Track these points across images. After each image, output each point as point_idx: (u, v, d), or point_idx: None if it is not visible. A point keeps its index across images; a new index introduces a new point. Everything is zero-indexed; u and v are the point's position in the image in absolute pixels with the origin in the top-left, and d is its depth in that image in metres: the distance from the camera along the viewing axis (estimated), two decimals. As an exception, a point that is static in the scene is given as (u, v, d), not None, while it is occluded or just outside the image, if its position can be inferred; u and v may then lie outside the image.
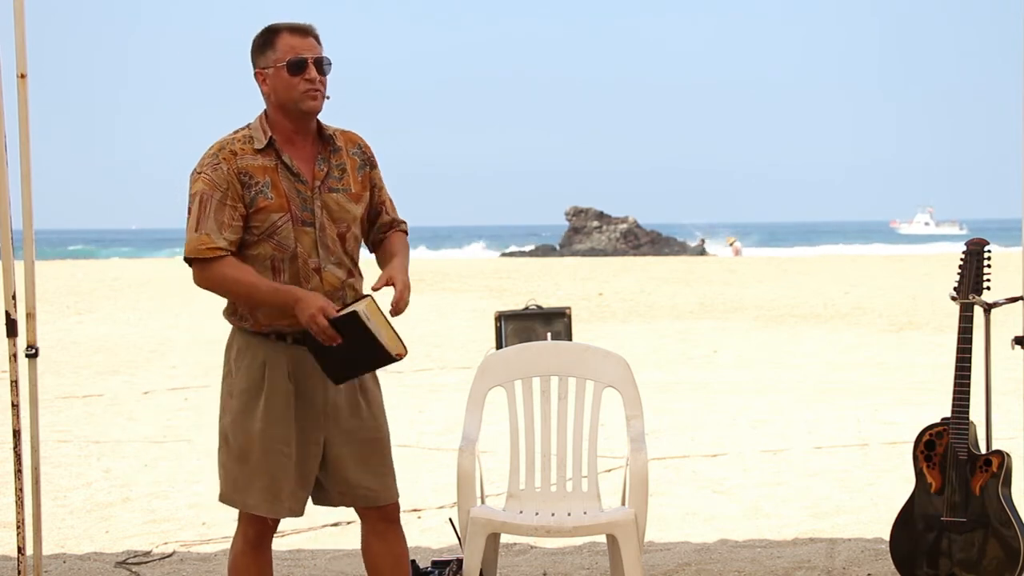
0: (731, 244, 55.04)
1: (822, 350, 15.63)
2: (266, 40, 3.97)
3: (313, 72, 3.93)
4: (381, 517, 4.16)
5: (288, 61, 3.91)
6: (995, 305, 5.19)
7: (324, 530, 6.72)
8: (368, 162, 4.11)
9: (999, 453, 5.02)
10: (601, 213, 57.05)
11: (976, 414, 5.10)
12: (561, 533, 4.82)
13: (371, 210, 4.15)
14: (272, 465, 3.98)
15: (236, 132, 3.99)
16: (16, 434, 4.82)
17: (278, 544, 6.40)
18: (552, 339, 10.85)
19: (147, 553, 6.19)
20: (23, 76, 4.82)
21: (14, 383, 4.83)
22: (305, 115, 3.97)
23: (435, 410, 10.56)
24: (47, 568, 5.71)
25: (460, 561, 5.05)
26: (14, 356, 4.85)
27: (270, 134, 3.95)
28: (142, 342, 17.04)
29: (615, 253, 51.87)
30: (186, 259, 3.97)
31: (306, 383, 4.00)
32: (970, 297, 5.08)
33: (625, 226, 56.06)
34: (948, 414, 5.06)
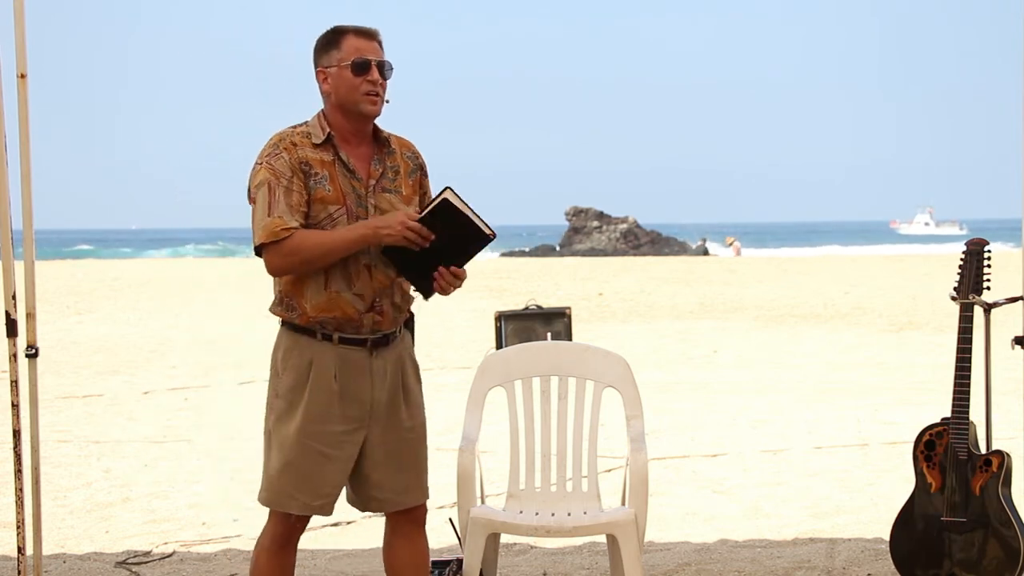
0: (731, 244, 55.04)
1: (822, 350, 15.63)
2: (331, 40, 4.02)
3: (376, 74, 3.99)
4: (408, 519, 4.17)
5: (353, 61, 3.97)
6: (995, 305, 5.19)
7: (324, 530, 6.72)
8: (420, 168, 4.18)
9: (999, 453, 5.02)
10: (601, 213, 57.06)
11: (976, 414, 5.10)
12: (561, 533, 4.82)
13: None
14: (309, 464, 3.98)
15: (294, 127, 4.05)
16: (16, 434, 4.82)
17: (278, 544, 6.40)
18: (552, 339, 10.85)
19: (147, 553, 6.19)
20: (23, 76, 4.82)
21: (14, 383, 4.83)
22: (364, 117, 4.02)
23: (435, 410, 10.51)
24: (47, 568, 5.71)
25: (460, 561, 5.05)
26: (14, 356, 4.85)
27: (328, 131, 4.01)
28: (142, 342, 17.04)
29: (615, 253, 51.89)
30: (258, 247, 3.97)
31: (352, 383, 4.01)
32: (970, 297, 5.08)
33: (625, 226, 56.08)
34: (948, 414, 5.06)
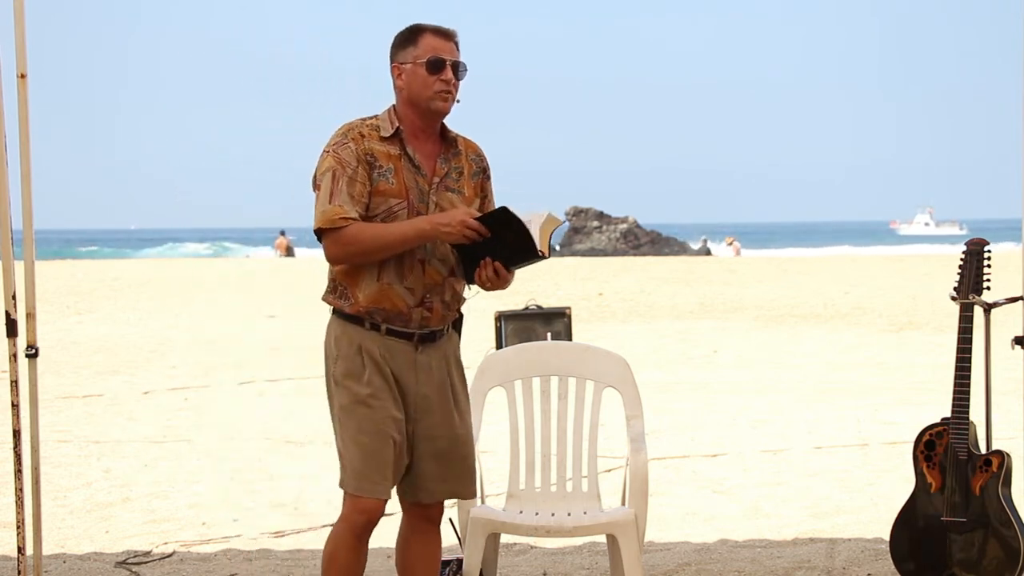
0: (730, 244, 55.04)
1: (822, 350, 15.63)
2: (409, 37, 4.07)
3: (449, 74, 4.04)
4: (425, 516, 4.20)
5: (428, 59, 4.02)
6: (995, 305, 5.19)
7: (324, 530, 6.72)
8: (483, 171, 4.22)
9: (999, 453, 5.02)
10: (601, 213, 57.02)
11: (976, 414, 5.10)
12: (561, 533, 4.83)
13: None
14: (381, 445, 4.00)
15: (364, 118, 4.10)
16: (16, 434, 4.82)
17: (277, 544, 6.41)
18: (552, 339, 10.85)
19: (147, 553, 6.18)
20: (23, 76, 4.82)
21: (14, 383, 4.83)
22: (434, 114, 4.07)
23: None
24: (47, 568, 5.71)
25: (460, 561, 5.05)
26: (14, 356, 4.85)
27: (397, 125, 4.06)
28: (142, 342, 17.04)
29: (615, 253, 51.85)
30: (317, 232, 4.00)
31: (398, 374, 4.05)
32: (970, 297, 5.08)
33: (625, 226, 56.04)
34: (948, 414, 5.06)
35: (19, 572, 4.90)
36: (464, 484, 4.19)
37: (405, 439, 4.06)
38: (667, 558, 5.95)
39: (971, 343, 5.04)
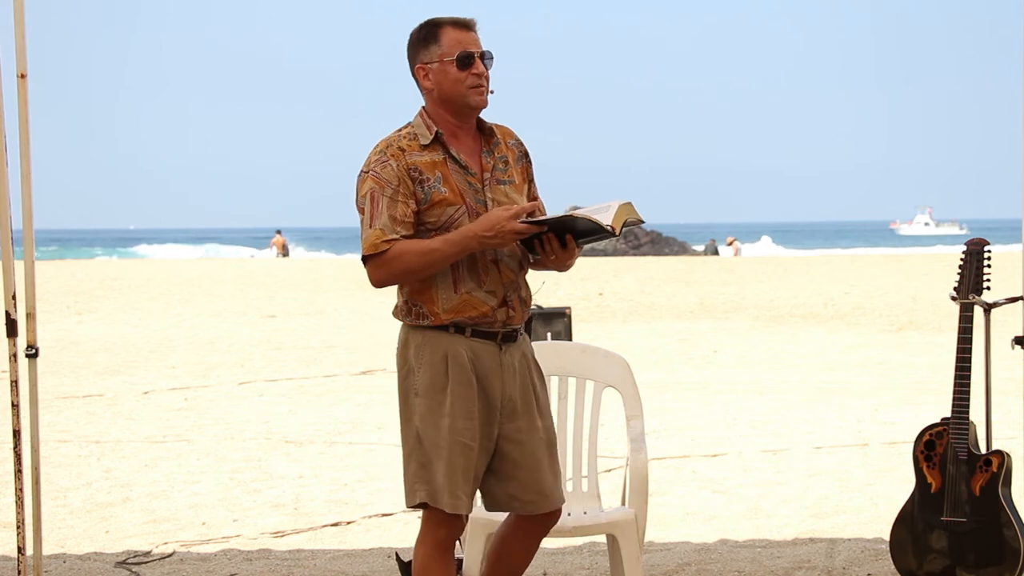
0: (731, 244, 55.05)
1: (822, 350, 15.63)
2: (428, 34, 3.95)
3: (480, 66, 3.93)
4: (540, 522, 4.09)
5: (458, 55, 3.90)
6: (995, 305, 5.19)
7: (324, 530, 6.72)
8: (524, 155, 4.11)
9: (999, 453, 5.02)
10: (601, 213, 56.95)
11: (976, 414, 5.10)
12: (561, 533, 4.82)
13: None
14: (463, 460, 3.90)
15: (399, 130, 3.98)
16: (16, 434, 4.82)
17: (277, 544, 6.40)
18: (552, 339, 10.85)
19: (147, 553, 6.18)
20: (23, 76, 4.82)
21: (14, 383, 4.83)
22: (472, 110, 3.97)
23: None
24: (47, 568, 5.70)
25: (460, 561, 5.05)
26: (14, 356, 4.85)
27: (436, 129, 3.94)
28: (142, 342, 17.03)
29: (615, 253, 51.82)
30: (364, 259, 3.91)
31: (486, 377, 3.95)
32: (970, 297, 5.08)
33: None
34: (948, 414, 5.06)
35: (19, 572, 4.90)
36: (539, 494, 4.02)
37: (485, 448, 3.95)
38: (667, 558, 5.95)
39: (971, 343, 5.04)
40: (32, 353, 4.84)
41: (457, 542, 5.11)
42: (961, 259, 5.14)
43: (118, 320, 20.37)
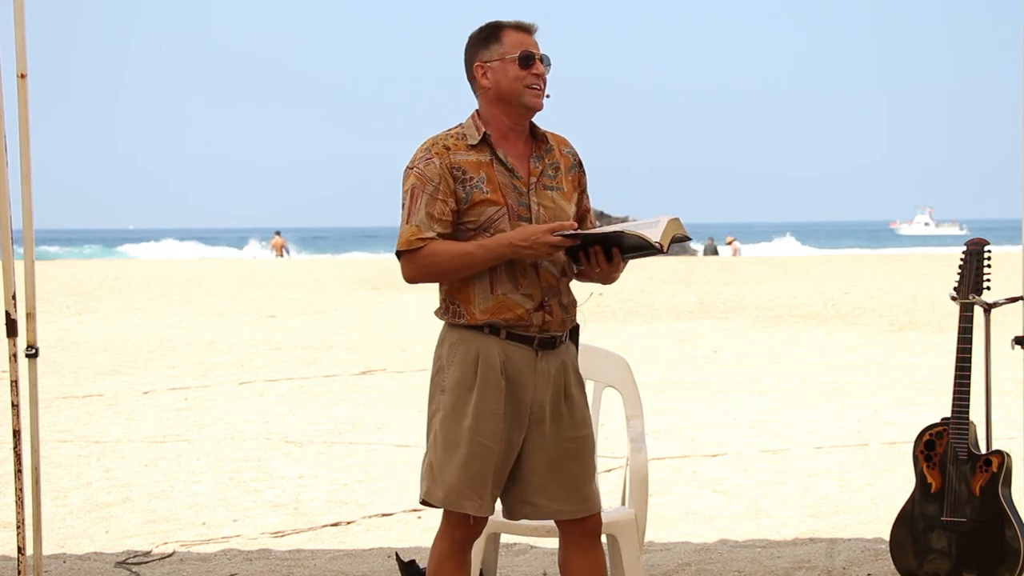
0: (730, 243, 55.05)
1: (822, 350, 15.63)
2: (491, 34, 3.98)
3: (540, 67, 3.96)
4: (580, 531, 4.05)
5: (520, 54, 3.94)
6: (995, 305, 5.19)
7: (324, 530, 6.72)
8: (578, 164, 4.12)
9: (999, 453, 5.02)
10: (601, 212, 57.04)
11: (976, 414, 5.10)
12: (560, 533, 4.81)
13: (578, 212, 4.11)
14: (480, 462, 3.89)
15: (449, 129, 4.01)
16: (16, 434, 4.82)
17: (277, 544, 6.40)
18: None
19: (147, 553, 6.18)
20: (23, 76, 4.81)
21: (14, 383, 4.83)
22: (527, 111, 3.98)
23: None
24: (47, 568, 5.71)
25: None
26: (14, 356, 4.85)
27: (484, 130, 3.97)
28: (142, 342, 17.03)
29: (615, 253, 51.80)
30: (397, 254, 3.94)
31: (517, 380, 3.94)
32: (970, 297, 5.08)
33: (625, 226, 56.02)
34: (948, 414, 5.07)
35: (19, 572, 4.90)
36: (573, 501, 3.98)
37: (510, 452, 3.93)
38: (667, 558, 5.95)
39: (971, 343, 5.04)
40: (32, 353, 4.84)
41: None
42: (961, 259, 5.15)
43: (118, 320, 20.37)
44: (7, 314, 4.82)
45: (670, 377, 13.14)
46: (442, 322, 4.04)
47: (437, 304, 4.05)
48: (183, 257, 55.90)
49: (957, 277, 5.13)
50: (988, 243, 5.15)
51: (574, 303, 4.07)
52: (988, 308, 5.16)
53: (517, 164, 3.98)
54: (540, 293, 3.95)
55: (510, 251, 3.86)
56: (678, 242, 3.89)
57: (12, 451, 4.85)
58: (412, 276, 3.94)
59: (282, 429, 9.97)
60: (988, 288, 5.12)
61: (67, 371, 13.86)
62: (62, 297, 24.22)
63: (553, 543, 6.11)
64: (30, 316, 4.86)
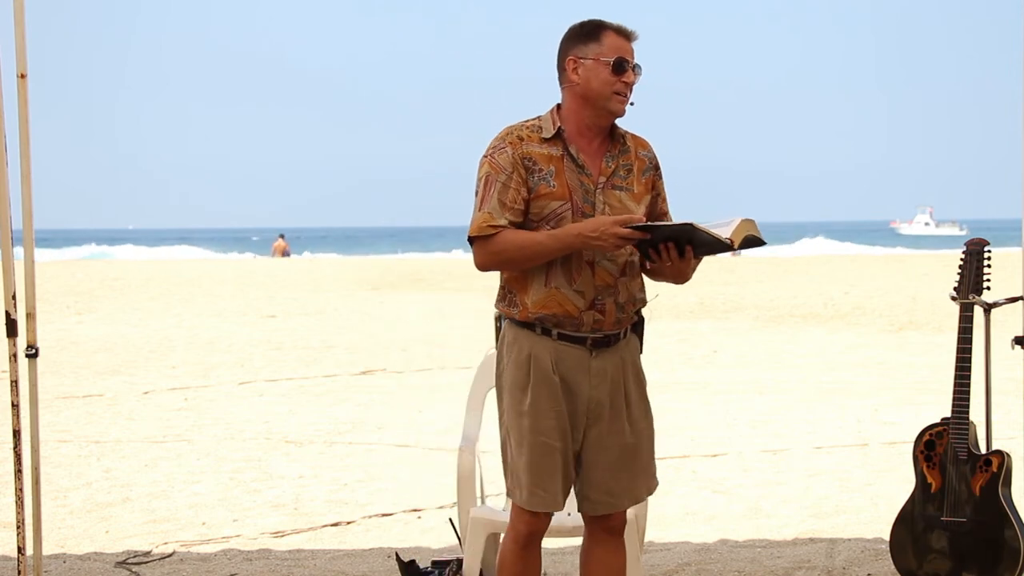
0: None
1: (822, 350, 15.63)
2: (591, 32, 4.00)
3: (632, 77, 3.98)
4: (606, 528, 4.11)
5: (616, 60, 3.95)
6: (995, 305, 5.19)
7: (324, 530, 6.72)
8: (655, 168, 4.12)
9: (999, 453, 5.02)
10: (601, 213, 56.97)
11: (976, 414, 5.10)
12: (561, 533, 4.82)
13: (650, 217, 4.11)
14: (545, 458, 3.94)
15: (526, 120, 4.03)
16: (16, 434, 4.82)
17: (277, 544, 6.41)
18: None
19: (147, 553, 6.19)
20: (23, 76, 4.82)
21: (14, 383, 4.83)
22: (609, 115, 4.00)
23: (435, 410, 10.56)
24: (47, 568, 5.71)
25: (460, 561, 5.05)
26: (14, 356, 4.85)
27: (559, 125, 3.99)
28: (142, 342, 17.03)
29: (615, 253, 51.75)
30: (469, 239, 3.96)
31: (571, 379, 3.97)
32: (970, 297, 5.08)
33: (625, 226, 55.97)
34: (948, 414, 5.07)
35: (19, 572, 4.90)
36: (631, 495, 4.11)
37: (571, 448, 3.99)
38: (667, 558, 5.95)
39: (971, 343, 5.04)
40: (32, 353, 4.85)
41: (458, 542, 5.13)
42: (961, 259, 5.15)
43: (118, 320, 20.37)
44: (7, 314, 4.82)
45: (670, 377, 13.14)
46: (495, 313, 4.13)
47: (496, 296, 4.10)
48: (183, 257, 55.89)
49: (957, 277, 5.13)
50: (988, 243, 5.15)
51: (634, 300, 4.05)
52: (988, 308, 5.16)
53: (589, 161, 4.00)
54: (593, 291, 3.96)
55: (580, 241, 3.87)
56: (751, 245, 3.88)
57: (12, 451, 4.85)
58: (483, 263, 3.97)
59: (282, 429, 9.97)
60: (988, 288, 5.12)
61: (67, 371, 13.86)
62: (62, 297, 24.22)
63: (553, 543, 6.12)
64: (30, 316, 4.86)
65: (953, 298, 5.13)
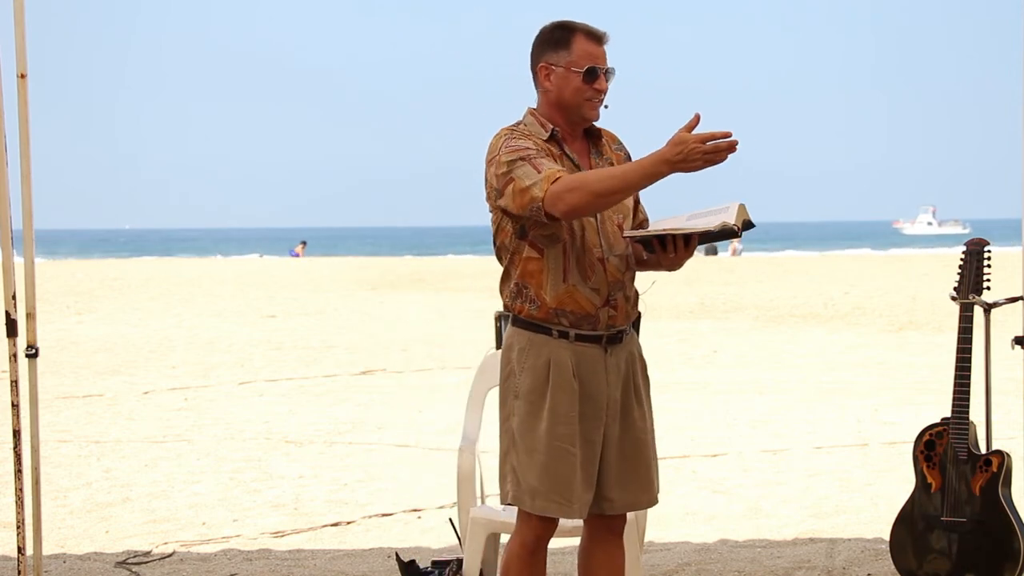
0: (730, 243, 55.07)
1: (822, 350, 15.63)
2: (561, 38, 3.96)
3: (603, 83, 3.96)
4: (608, 528, 4.11)
5: (586, 69, 3.93)
6: (995, 305, 5.19)
7: (324, 530, 6.72)
8: (628, 158, 4.12)
9: (999, 453, 5.02)
10: (601, 213, 56.98)
11: (976, 414, 5.10)
12: (561, 533, 4.81)
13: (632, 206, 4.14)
14: (560, 465, 3.91)
15: (514, 124, 4.00)
16: (16, 434, 4.83)
17: (277, 544, 6.41)
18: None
19: (147, 553, 6.19)
20: (23, 76, 4.82)
21: (14, 383, 4.83)
22: (583, 120, 4.00)
23: (435, 410, 10.56)
24: (47, 568, 5.71)
25: (460, 561, 5.05)
26: (14, 356, 4.85)
27: (552, 127, 3.98)
28: (142, 342, 17.03)
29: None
30: (542, 202, 3.79)
31: (590, 380, 3.96)
32: (970, 297, 5.08)
33: (625, 226, 55.98)
34: (948, 414, 5.06)
35: (19, 572, 4.90)
36: (645, 492, 4.11)
37: (592, 452, 3.96)
38: (667, 558, 5.95)
39: (971, 343, 5.04)
40: (32, 353, 4.85)
41: (458, 542, 5.13)
42: (961, 259, 5.15)
43: (118, 320, 20.38)
44: (7, 314, 4.82)
45: (670, 377, 13.14)
46: (509, 325, 4.02)
47: (501, 298, 4.04)
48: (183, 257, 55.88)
49: (957, 277, 5.13)
50: (988, 243, 5.15)
51: (636, 295, 4.09)
52: (988, 308, 5.16)
53: (581, 161, 4.01)
54: (607, 288, 3.96)
55: (667, 168, 3.74)
56: (747, 228, 3.88)
57: (12, 451, 4.85)
58: (568, 206, 3.76)
59: (282, 429, 9.97)
60: (988, 288, 5.12)
61: (67, 371, 13.86)
62: (62, 297, 24.23)
63: (553, 543, 6.10)
64: (30, 316, 4.86)
65: (953, 298, 5.13)
